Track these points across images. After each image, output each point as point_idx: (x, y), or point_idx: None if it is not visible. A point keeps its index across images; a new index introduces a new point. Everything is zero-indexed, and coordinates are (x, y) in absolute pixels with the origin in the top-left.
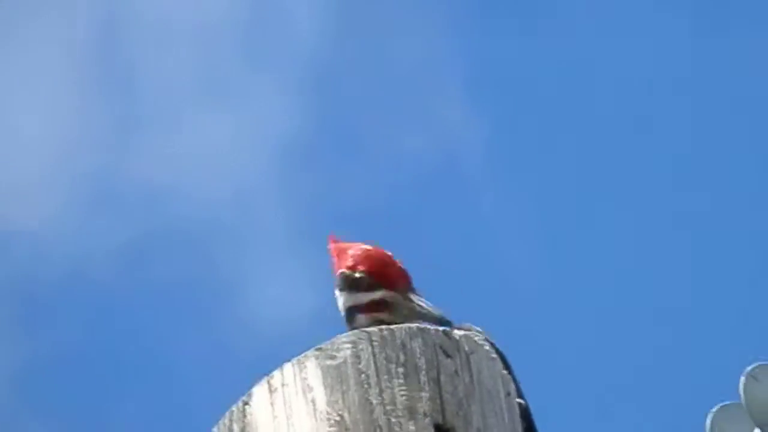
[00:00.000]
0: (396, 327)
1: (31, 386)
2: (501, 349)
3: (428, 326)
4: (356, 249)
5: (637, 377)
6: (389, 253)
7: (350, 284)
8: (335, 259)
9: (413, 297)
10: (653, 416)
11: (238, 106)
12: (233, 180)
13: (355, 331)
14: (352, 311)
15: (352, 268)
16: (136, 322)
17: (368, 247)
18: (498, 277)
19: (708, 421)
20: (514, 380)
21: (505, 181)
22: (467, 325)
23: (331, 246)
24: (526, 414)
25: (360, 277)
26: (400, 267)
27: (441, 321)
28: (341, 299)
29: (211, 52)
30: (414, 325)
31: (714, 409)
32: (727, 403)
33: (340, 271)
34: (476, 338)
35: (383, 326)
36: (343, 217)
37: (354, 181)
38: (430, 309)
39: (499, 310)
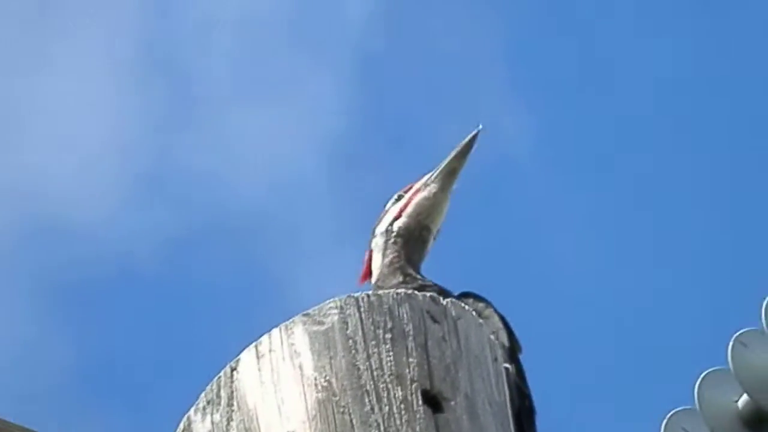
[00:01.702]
0: (383, 293)
1: (87, 380)
2: (505, 317)
3: (416, 293)
4: None
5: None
6: None
7: (384, 213)
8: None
9: None
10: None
11: (287, 99)
12: (283, 173)
13: (343, 296)
14: (390, 227)
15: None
16: (186, 315)
17: None
18: (548, 273)
19: (696, 387)
20: (516, 347)
21: (555, 177)
22: (475, 294)
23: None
24: (521, 376)
25: (392, 202)
26: None
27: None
28: (380, 227)
29: (260, 45)
30: (401, 291)
31: (702, 375)
32: (715, 368)
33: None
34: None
35: (371, 292)
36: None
37: (403, 176)
38: None
39: (549, 303)
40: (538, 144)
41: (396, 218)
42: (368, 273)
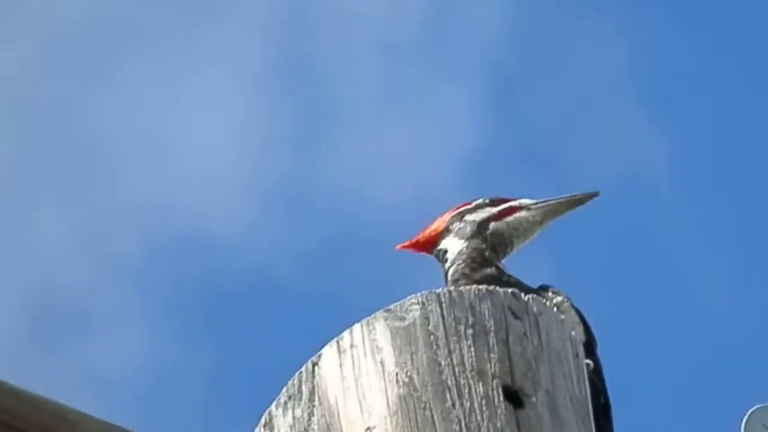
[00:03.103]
0: (465, 289)
1: (223, 391)
2: (582, 313)
3: (497, 288)
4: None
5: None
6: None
7: (478, 206)
8: (442, 218)
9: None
10: (724, 378)
11: (421, 113)
12: (419, 187)
13: (424, 292)
14: (485, 223)
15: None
16: (325, 327)
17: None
18: (685, 294)
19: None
20: (593, 342)
21: (691, 198)
22: (553, 288)
23: (425, 232)
24: (598, 373)
25: (484, 201)
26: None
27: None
28: (473, 217)
29: (395, 60)
30: (482, 286)
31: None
32: None
33: (470, 203)
34: (546, 300)
35: (452, 288)
36: None
37: (533, 193)
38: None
39: (685, 325)
40: (672, 162)
41: (495, 218)
42: (426, 244)
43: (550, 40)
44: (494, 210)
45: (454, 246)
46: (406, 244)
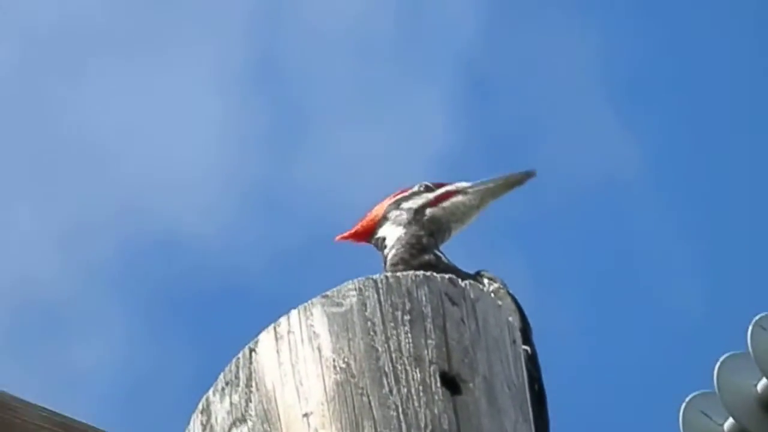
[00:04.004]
0: (402, 274)
1: (202, 392)
2: (518, 300)
3: (434, 274)
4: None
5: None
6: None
7: (414, 193)
8: (379, 207)
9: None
10: (662, 367)
11: (395, 114)
12: (392, 188)
13: (361, 278)
14: (422, 209)
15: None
16: None
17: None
18: (654, 296)
19: (715, 371)
20: (528, 328)
21: (662, 199)
22: (490, 274)
23: (361, 223)
24: (532, 360)
25: (420, 188)
26: None
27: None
28: (409, 204)
29: (369, 62)
30: (420, 272)
31: (721, 359)
32: (734, 352)
33: (405, 191)
34: (483, 287)
35: (389, 274)
36: (499, 230)
37: (510, 197)
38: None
39: (653, 326)
40: (643, 165)
41: (431, 205)
42: (364, 233)
43: (523, 40)
44: (431, 196)
45: (392, 233)
46: (345, 234)
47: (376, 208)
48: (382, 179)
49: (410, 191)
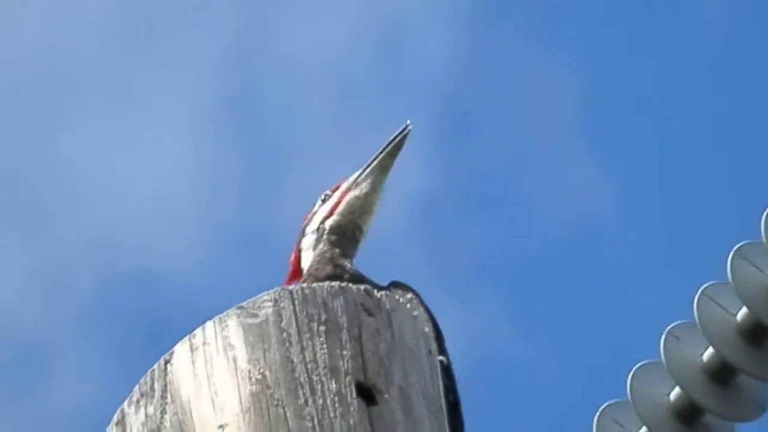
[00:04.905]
0: (317, 285)
1: None
2: (431, 311)
3: (350, 285)
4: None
5: None
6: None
7: (313, 214)
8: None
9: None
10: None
11: (371, 154)
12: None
13: (276, 289)
14: (321, 225)
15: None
16: None
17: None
18: (633, 333)
19: (629, 380)
20: (441, 339)
21: (639, 237)
22: (404, 284)
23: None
24: (447, 370)
25: (319, 202)
26: None
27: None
28: (311, 226)
29: (346, 101)
30: (335, 283)
31: (635, 368)
32: (647, 361)
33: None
34: (398, 297)
35: (305, 285)
36: (476, 269)
37: (485, 237)
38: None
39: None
40: (620, 204)
41: (327, 217)
42: (296, 273)
43: (500, 79)
44: (328, 207)
45: (307, 261)
46: (286, 281)
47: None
48: None
49: (311, 212)
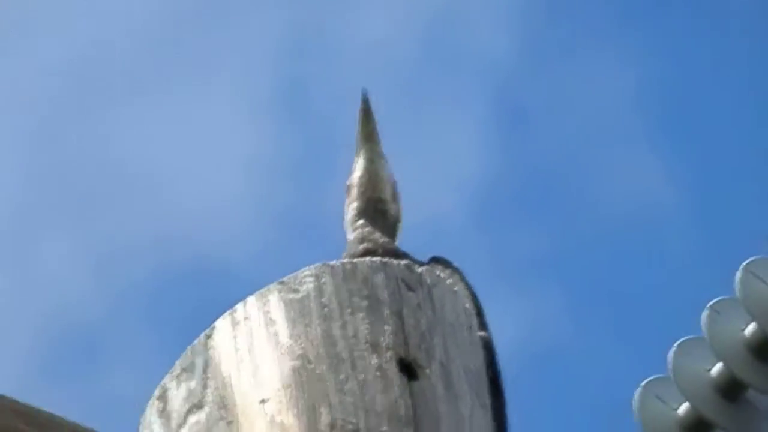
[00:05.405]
0: (359, 260)
1: None
2: (473, 287)
3: (391, 260)
4: None
5: None
6: None
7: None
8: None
9: None
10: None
11: (428, 142)
12: (425, 217)
13: (318, 264)
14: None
15: None
16: None
17: None
18: (674, 309)
19: (671, 356)
20: (482, 314)
21: (701, 230)
22: (445, 260)
23: None
24: (488, 346)
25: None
26: None
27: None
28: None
29: (397, 88)
30: (377, 258)
31: (677, 344)
32: (689, 337)
33: None
34: (439, 272)
35: (346, 260)
36: (530, 262)
37: (536, 229)
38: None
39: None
40: (681, 199)
41: (348, 206)
42: None
43: (558, 71)
44: (348, 199)
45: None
46: None
47: None
48: (414, 208)
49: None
